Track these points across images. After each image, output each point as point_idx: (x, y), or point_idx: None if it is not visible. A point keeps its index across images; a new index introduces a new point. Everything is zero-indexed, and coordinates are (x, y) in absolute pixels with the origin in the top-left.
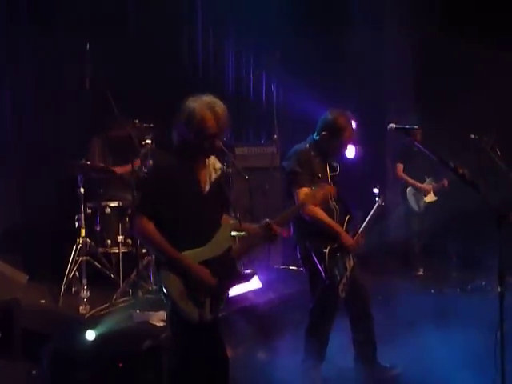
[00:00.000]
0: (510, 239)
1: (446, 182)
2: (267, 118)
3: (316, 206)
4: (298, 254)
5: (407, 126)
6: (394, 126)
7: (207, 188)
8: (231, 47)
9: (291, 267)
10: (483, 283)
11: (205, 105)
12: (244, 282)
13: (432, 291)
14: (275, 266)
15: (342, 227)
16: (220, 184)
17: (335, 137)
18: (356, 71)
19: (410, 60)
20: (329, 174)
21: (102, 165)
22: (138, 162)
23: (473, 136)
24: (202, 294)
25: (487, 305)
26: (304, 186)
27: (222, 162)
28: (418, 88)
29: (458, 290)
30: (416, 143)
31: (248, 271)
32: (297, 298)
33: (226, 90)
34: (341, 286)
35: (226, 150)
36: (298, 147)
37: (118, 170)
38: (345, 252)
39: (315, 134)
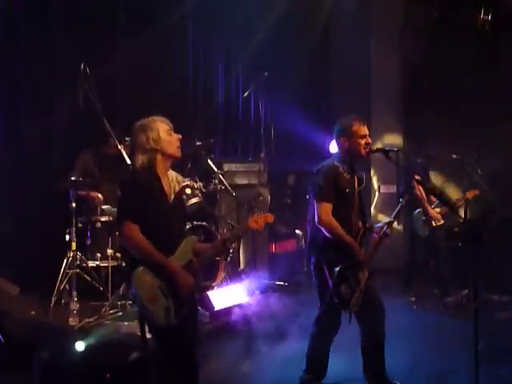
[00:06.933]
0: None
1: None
2: (255, 135)
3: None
4: (312, 264)
5: (387, 148)
6: (375, 147)
7: (172, 198)
8: (221, 63)
9: (287, 283)
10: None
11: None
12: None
13: (414, 307)
14: (275, 282)
15: (357, 239)
16: (181, 196)
17: (351, 135)
18: (342, 92)
19: (397, 80)
20: (357, 189)
21: (84, 193)
22: None
23: (454, 156)
24: (171, 298)
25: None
26: (324, 201)
27: (209, 179)
28: (405, 105)
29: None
30: (395, 164)
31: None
32: (285, 314)
33: (215, 106)
34: (353, 301)
35: (213, 166)
36: (325, 163)
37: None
38: (356, 266)
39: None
